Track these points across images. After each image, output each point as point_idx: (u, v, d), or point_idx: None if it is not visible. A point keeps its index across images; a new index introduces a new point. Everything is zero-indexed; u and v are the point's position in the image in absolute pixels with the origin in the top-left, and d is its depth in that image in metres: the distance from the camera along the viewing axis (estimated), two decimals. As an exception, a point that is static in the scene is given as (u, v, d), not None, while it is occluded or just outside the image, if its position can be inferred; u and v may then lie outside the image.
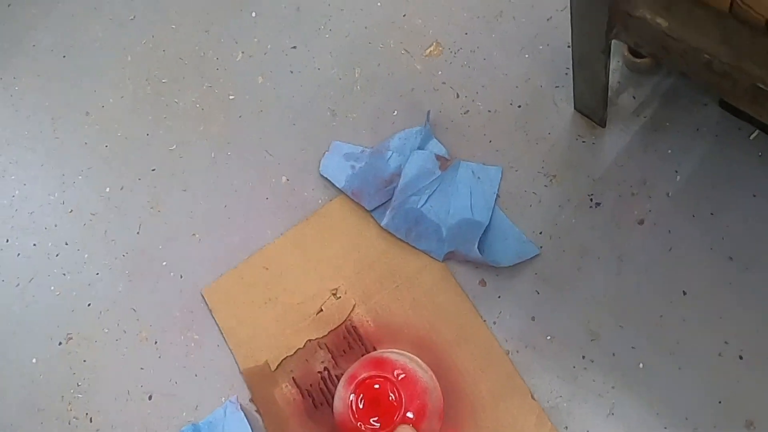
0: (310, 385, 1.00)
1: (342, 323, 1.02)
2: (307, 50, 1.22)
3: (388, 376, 0.90)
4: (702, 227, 0.98)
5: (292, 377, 1.01)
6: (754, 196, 0.98)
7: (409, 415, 0.88)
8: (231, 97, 1.21)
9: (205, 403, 1.03)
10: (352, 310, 1.03)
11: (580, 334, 0.96)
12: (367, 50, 1.20)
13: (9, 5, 1.39)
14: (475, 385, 0.96)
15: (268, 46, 1.24)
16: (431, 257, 1.03)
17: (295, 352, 1.02)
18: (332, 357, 1.01)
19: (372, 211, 1.07)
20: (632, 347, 0.94)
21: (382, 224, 1.05)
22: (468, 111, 1.12)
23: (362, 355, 0.99)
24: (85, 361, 1.09)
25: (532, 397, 0.94)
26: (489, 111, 1.11)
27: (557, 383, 0.95)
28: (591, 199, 1.02)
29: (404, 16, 1.21)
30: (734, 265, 0.95)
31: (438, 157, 1.07)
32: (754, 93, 0.74)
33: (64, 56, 1.32)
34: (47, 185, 1.22)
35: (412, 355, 0.97)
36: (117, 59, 1.29)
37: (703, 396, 0.90)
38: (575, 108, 1.07)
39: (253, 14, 1.27)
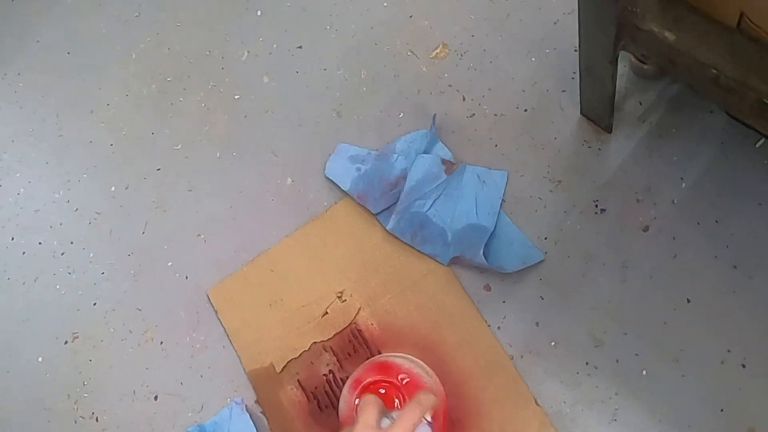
0: (315, 387, 1.01)
1: (347, 326, 1.03)
2: (313, 50, 1.22)
3: (393, 380, 0.91)
4: (707, 234, 0.98)
5: (298, 379, 1.02)
6: (760, 204, 0.98)
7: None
8: (236, 96, 1.21)
9: (210, 404, 1.03)
10: (357, 313, 1.03)
11: (584, 340, 0.97)
12: (373, 51, 1.19)
13: (12, 0, 1.38)
14: (479, 389, 0.97)
15: (274, 46, 1.23)
16: (436, 261, 1.03)
17: (300, 355, 1.03)
18: (337, 360, 1.02)
19: (377, 214, 1.07)
20: (636, 354, 0.95)
21: (388, 228, 1.05)
22: (474, 114, 1.12)
23: (367, 359, 1.00)
24: (91, 360, 1.09)
25: (536, 402, 0.95)
26: (495, 115, 1.11)
27: (561, 389, 0.95)
28: (596, 205, 1.03)
29: (411, 17, 1.20)
30: (738, 273, 0.96)
31: (443, 161, 1.07)
32: (761, 108, 0.74)
33: (68, 53, 1.31)
34: (52, 183, 1.21)
35: (417, 359, 0.98)
36: (121, 57, 1.28)
37: (705, 403, 0.91)
38: (581, 113, 1.07)
39: (259, 13, 1.26)
